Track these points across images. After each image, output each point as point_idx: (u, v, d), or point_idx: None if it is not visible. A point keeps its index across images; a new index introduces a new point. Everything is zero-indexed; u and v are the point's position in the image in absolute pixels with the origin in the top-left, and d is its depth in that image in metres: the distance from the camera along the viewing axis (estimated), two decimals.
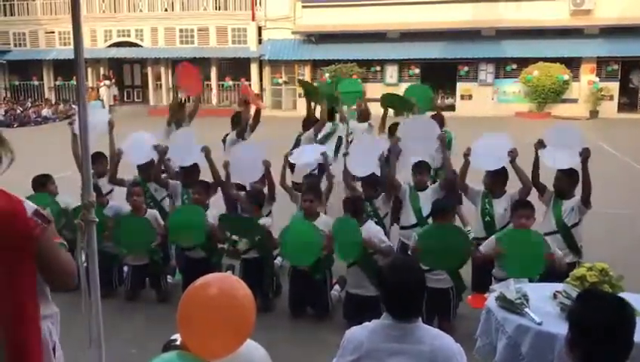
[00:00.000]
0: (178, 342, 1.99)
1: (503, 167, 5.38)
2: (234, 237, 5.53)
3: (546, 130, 5.42)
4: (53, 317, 2.50)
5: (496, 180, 5.41)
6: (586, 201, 5.10)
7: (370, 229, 5.02)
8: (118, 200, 6.11)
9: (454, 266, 4.83)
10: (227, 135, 7.37)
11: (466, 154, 5.41)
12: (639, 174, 11.96)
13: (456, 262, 4.79)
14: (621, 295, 2.59)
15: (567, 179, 5.17)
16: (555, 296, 3.39)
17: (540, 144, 5.28)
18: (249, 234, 5.44)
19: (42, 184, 5.80)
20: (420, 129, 5.90)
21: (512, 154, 5.29)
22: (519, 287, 3.44)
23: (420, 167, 5.71)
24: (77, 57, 2.76)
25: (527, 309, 3.27)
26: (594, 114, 23.72)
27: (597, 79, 24.19)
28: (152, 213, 5.81)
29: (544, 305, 3.36)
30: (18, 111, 25.06)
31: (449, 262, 4.76)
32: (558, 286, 3.47)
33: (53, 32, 28.74)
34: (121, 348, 4.48)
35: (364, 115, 7.99)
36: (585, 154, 5.03)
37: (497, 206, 5.36)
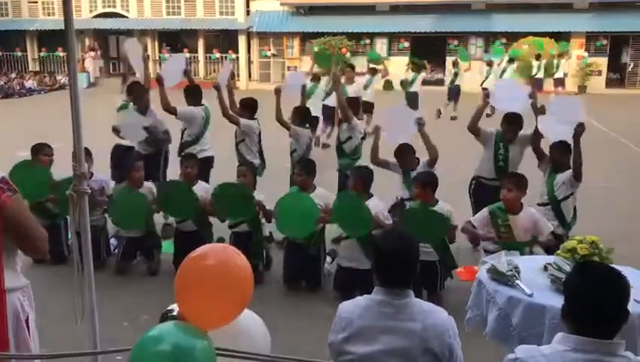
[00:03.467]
0: (175, 312, 1.99)
1: (520, 115, 5.63)
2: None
3: (551, 100, 5.72)
4: (23, 290, 2.49)
5: (512, 126, 5.65)
6: (576, 175, 5.17)
7: (376, 205, 4.99)
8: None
9: (434, 241, 4.84)
10: None
11: (486, 95, 5.67)
12: (626, 149, 12.08)
13: (434, 240, 4.81)
14: None
15: (558, 151, 5.26)
16: (545, 268, 3.42)
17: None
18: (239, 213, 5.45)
19: (35, 151, 5.78)
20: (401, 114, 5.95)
21: (533, 96, 5.57)
22: (510, 259, 3.46)
23: (403, 151, 5.64)
24: (67, 28, 2.69)
25: (518, 281, 3.30)
26: (582, 89, 23.77)
27: (586, 54, 24.20)
28: (148, 185, 5.78)
29: (535, 277, 3.39)
30: (2, 82, 24.63)
31: (428, 239, 4.77)
32: (549, 259, 3.51)
33: (36, 2, 28.12)
34: (113, 320, 4.47)
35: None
36: (579, 130, 5.07)
37: (512, 151, 5.65)
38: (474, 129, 5.75)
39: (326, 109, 11.30)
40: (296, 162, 5.61)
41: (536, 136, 5.52)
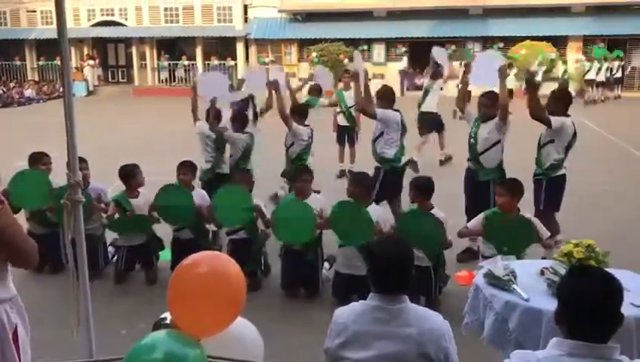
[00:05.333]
0: (168, 321, 1.99)
1: (493, 95, 5.78)
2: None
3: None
4: (12, 301, 2.47)
5: (483, 106, 5.81)
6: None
7: (377, 212, 4.97)
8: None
9: (428, 249, 4.81)
10: None
11: (466, 73, 5.90)
12: (625, 152, 12.08)
13: (428, 247, 4.77)
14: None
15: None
16: (542, 273, 3.41)
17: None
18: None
19: (34, 160, 5.74)
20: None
21: (502, 70, 5.66)
22: (507, 264, 3.46)
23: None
24: (61, 37, 2.70)
25: (514, 286, 3.29)
26: (580, 92, 23.76)
27: (583, 58, 24.21)
28: (144, 193, 5.77)
29: (532, 282, 3.39)
30: (1, 91, 24.66)
31: (421, 245, 4.70)
32: (546, 263, 3.51)
33: (34, 11, 28.19)
34: (111, 328, 4.46)
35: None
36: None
37: (483, 129, 5.78)
38: (460, 106, 6.08)
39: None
40: (301, 170, 5.65)
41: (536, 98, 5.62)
